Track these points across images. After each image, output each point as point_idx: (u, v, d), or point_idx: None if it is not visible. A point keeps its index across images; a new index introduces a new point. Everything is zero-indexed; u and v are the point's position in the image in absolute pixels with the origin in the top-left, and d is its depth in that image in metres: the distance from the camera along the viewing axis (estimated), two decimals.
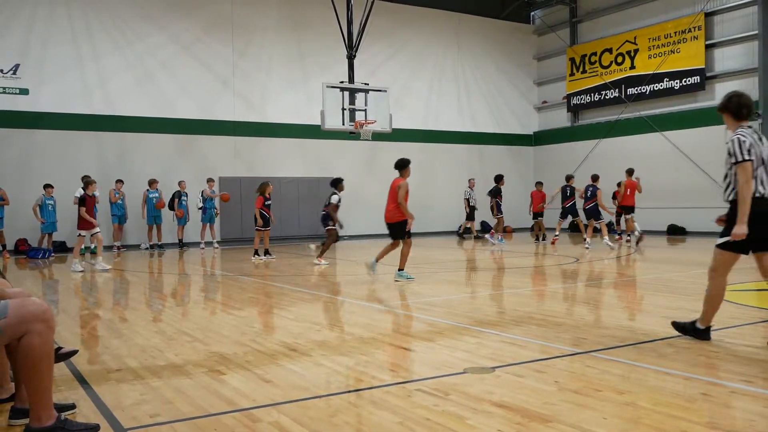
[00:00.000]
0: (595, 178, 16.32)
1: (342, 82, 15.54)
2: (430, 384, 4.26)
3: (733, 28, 20.41)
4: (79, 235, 13.26)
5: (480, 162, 25.06)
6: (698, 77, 20.93)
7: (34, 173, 17.53)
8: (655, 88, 22.20)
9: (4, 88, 17.57)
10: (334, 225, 13.34)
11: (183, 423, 3.58)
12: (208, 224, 18.73)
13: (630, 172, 17.01)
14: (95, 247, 17.31)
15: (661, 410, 3.62)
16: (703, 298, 5.41)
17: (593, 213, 15.96)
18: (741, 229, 5.01)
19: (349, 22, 15.96)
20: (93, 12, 18.81)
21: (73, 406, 3.83)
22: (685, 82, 21.32)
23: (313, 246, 15.22)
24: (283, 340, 5.79)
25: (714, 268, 5.33)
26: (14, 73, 17.70)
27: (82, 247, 17.09)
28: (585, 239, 15.94)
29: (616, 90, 23.43)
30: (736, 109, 5.29)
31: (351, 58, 15.98)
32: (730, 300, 7.54)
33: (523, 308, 7.21)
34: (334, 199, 13.23)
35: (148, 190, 18.09)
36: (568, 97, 25.36)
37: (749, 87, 19.81)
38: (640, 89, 22.58)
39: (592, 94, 24.43)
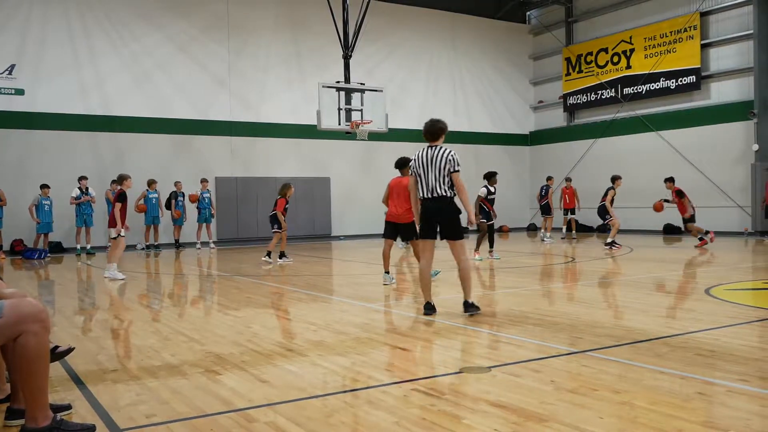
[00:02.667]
0: (548, 178, 19.66)
1: (338, 81, 15.50)
2: (426, 384, 4.26)
3: (728, 27, 20.46)
4: (120, 235, 11.23)
5: (476, 162, 25.07)
6: (694, 77, 20.97)
7: (30, 174, 17.47)
8: (651, 88, 22.25)
9: (0, 88, 17.52)
10: (482, 218, 13.48)
11: (179, 423, 3.58)
12: (204, 224, 18.70)
13: (671, 179, 16.46)
14: (91, 247, 17.36)
15: (657, 409, 3.62)
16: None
17: (546, 209, 18.96)
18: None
19: (345, 22, 15.92)
20: (89, 12, 18.75)
21: (69, 407, 3.82)
22: (680, 81, 21.36)
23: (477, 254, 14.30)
24: (280, 340, 5.79)
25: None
26: (10, 74, 17.63)
27: (78, 247, 17.14)
28: (544, 233, 18.51)
29: (612, 90, 23.47)
30: (424, 133, 6.94)
31: (347, 57, 15.93)
32: (726, 299, 7.57)
33: (519, 307, 7.21)
34: (482, 191, 13.55)
35: (147, 190, 18.02)
36: (564, 96, 25.39)
37: (744, 86, 19.90)
38: (636, 89, 22.62)
39: (588, 94, 24.47)
